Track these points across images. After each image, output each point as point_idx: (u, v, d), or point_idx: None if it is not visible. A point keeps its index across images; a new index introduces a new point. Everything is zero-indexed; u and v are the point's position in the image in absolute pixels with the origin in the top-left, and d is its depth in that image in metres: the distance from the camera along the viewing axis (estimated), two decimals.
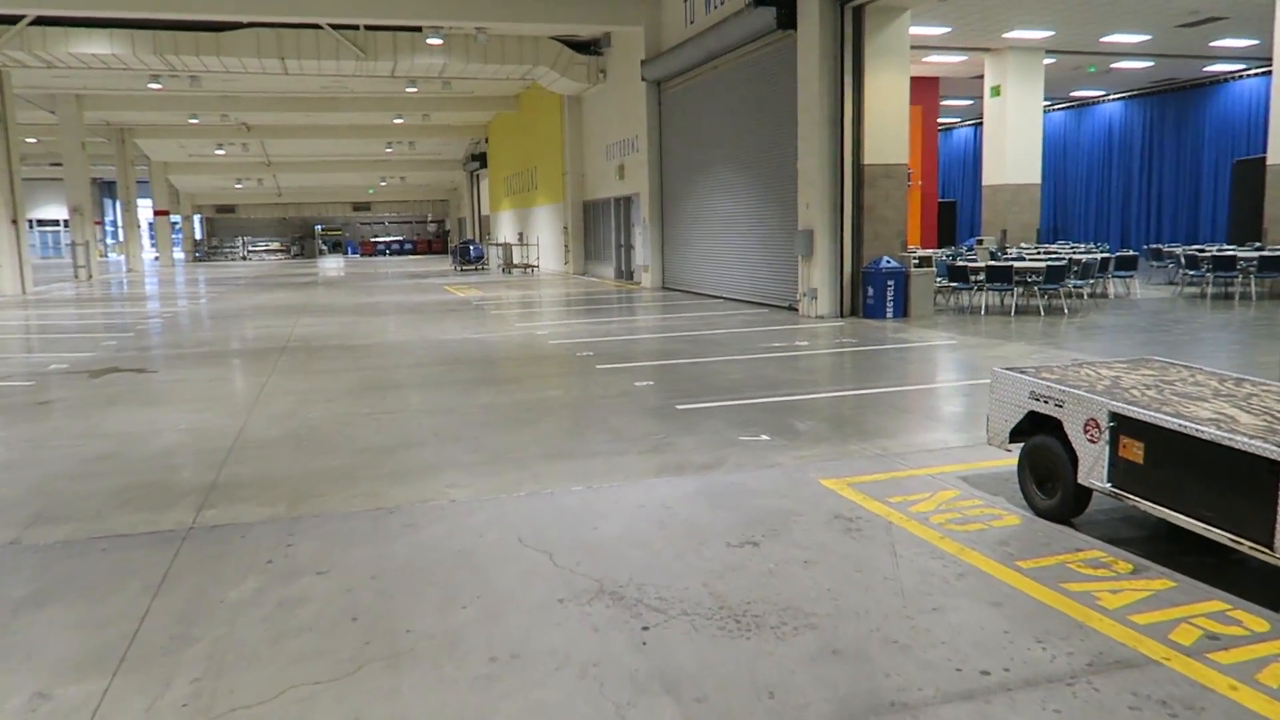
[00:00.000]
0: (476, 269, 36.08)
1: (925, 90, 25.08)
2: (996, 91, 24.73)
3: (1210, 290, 16.99)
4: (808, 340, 12.19)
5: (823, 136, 14.60)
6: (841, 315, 14.82)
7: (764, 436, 6.72)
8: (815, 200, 14.77)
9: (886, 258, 14.43)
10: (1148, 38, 22.05)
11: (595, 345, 12.16)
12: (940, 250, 21.45)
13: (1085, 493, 4.58)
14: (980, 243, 24.95)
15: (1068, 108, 34.12)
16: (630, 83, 23.68)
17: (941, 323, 13.77)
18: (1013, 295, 14.86)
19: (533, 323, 15.38)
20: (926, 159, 26.06)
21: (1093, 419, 4.42)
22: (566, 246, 31.00)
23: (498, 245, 37.45)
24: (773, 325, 14.01)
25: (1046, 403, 4.73)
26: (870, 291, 14.48)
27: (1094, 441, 4.41)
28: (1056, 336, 11.80)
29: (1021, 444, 5.05)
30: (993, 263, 14.76)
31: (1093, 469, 4.43)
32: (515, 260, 34.81)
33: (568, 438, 6.88)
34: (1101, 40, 22.33)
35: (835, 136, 14.61)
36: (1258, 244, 19.27)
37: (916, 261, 14.65)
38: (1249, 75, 27.29)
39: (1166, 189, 30.86)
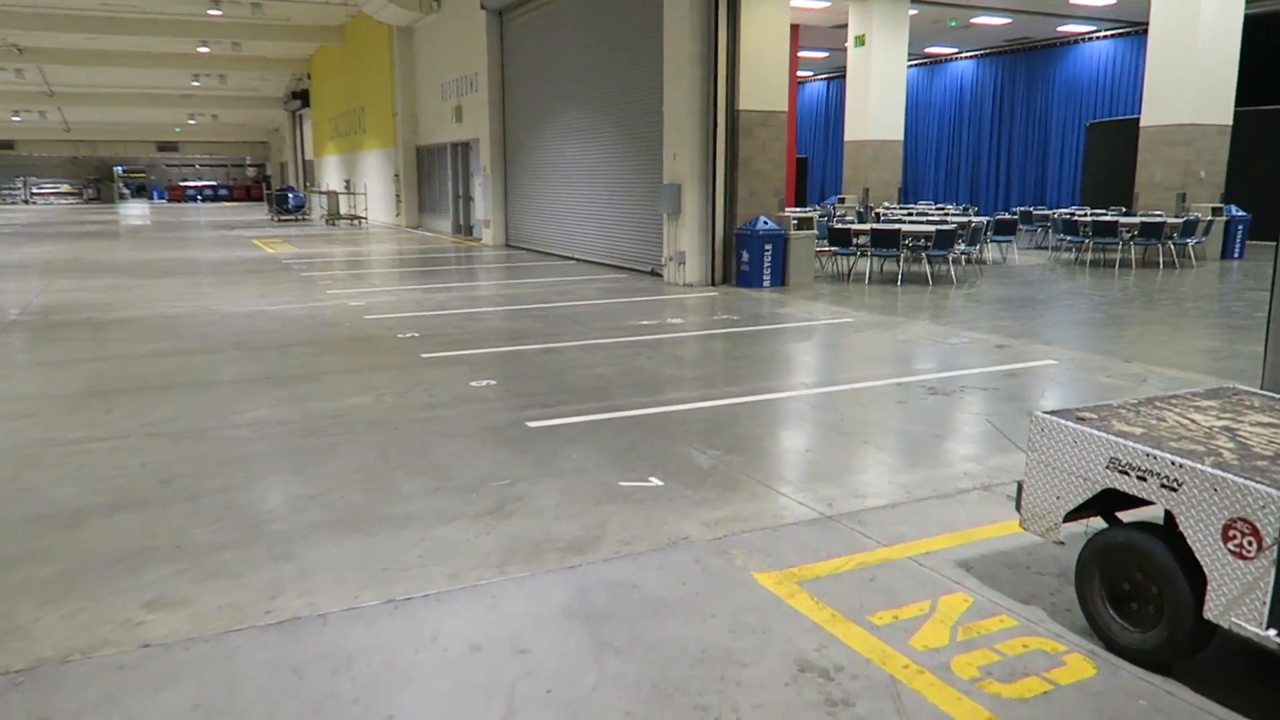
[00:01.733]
0: (296, 219, 32.37)
1: None
2: (861, 41, 23.42)
3: (1089, 257, 16.19)
4: (680, 316, 10.26)
5: (693, 76, 12.59)
6: (713, 283, 12.99)
7: (654, 480, 4.71)
8: (684, 150, 12.80)
9: (763, 218, 12.65)
10: None
11: (423, 322, 9.82)
12: (797, 210, 20.01)
13: (1209, 627, 2.80)
14: (842, 201, 23.78)
15: (920, 64, 33.47)
16: (468, 11, 20.91)
17: (825, 293, 12.15)
18: (899, 262, 13.42)
19: (349, 289, 12.79)
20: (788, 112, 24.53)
21: (1243, 519, 2.61)
22: (398, 196, 27.95)
23: (322, 193, 33.75)
24: (637, 295, 12.02)
25: (1144, 479, 2.90)
26: (745, 256, 12.70)
27: (1244, 556, 2.61)
28: (958, 311, 10.35)
29: (1076, 520, 3.24)
30: (878, 226, 13.25)
31: (1238, 600, 2.63)
32: (342, 211, 31.36)
33: (367, 485, 4.66)
34: None
35: (707, 77, 12.63)
36: (1121, 208, 18.74)
37: (795, 223, 12.94)
38: (1100, 36, 27.11)
39: (1016, 150, 30.69)
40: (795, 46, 25.92)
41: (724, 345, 8.50)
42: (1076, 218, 15.79)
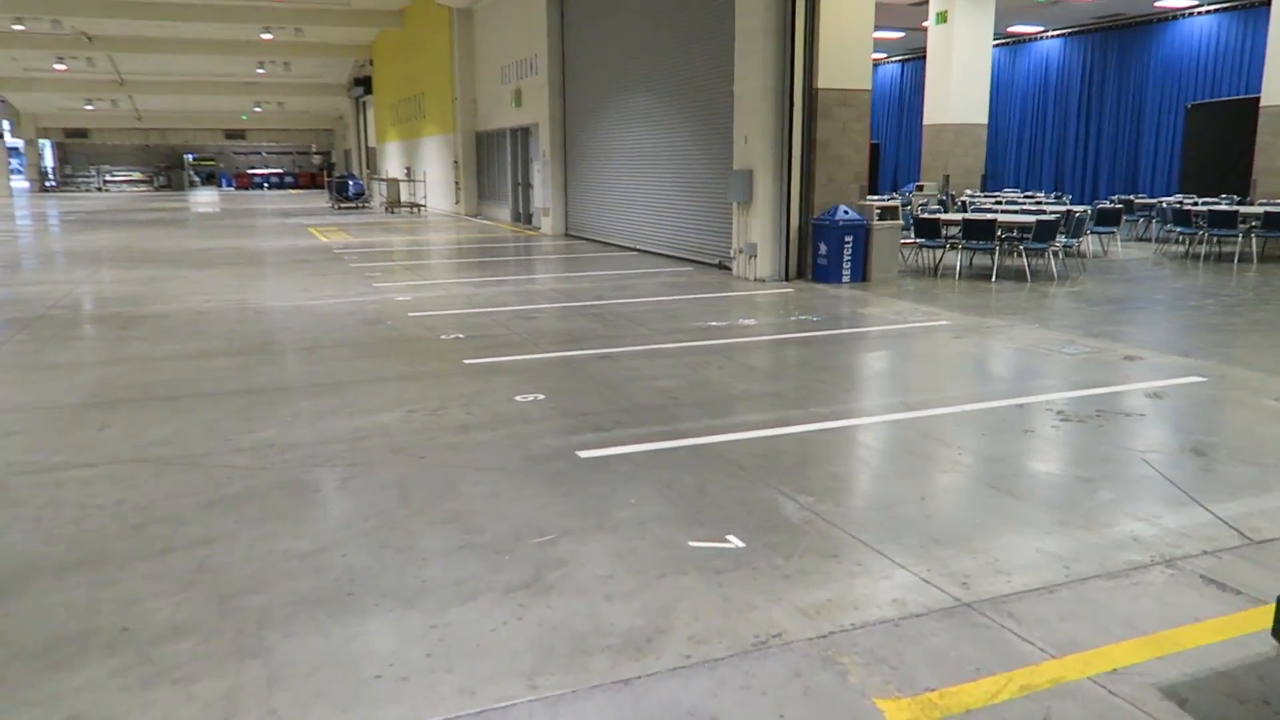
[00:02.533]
0: (357, 207, 32.00)
1: None
2: (943, 18, 21.99)
3: (1203, 250, 14.70)
4: (752, 316, 9.23)
5: (766, 52, 11.50)
6: (786, 277, 11.91)
7: (733, 540, 3.74)
8: (756, 133, 11.72)
9: (843, 207, 11.53)
10: None
11: (470, 321, 8.95)
12: (877, 198, 18.75)
13: None
14: (920, 188, 22.44)
15: (1002, 44, 31.70)
16: None
17: (912, 290, 11.00)
18: (994, 255, 12.18)
19: (398, 281, 12.01)
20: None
21: None
22: (457, 184, 27.30)
23: (383, 180, 33.30)
24: (703, 292, 11.01)
25: None
26: (823, 249, 11.59)
27: None
28: (1067, 313, 9.14)
29: None
30: (970, 215, 12.02)
31: None
32: (403, 198, 30.85)
33: (376, 539, 3.76)
34: None
35: (782, 52, 11.53)
36: (1233, 196, 17.12)
37: (879, 213, 11.79)
38: (1200, 12, 25.15)
39: (1106, 135, 28.79)
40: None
41: (803, 353, 7.46)
42: (1188, 207, 14.31)
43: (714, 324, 8.73)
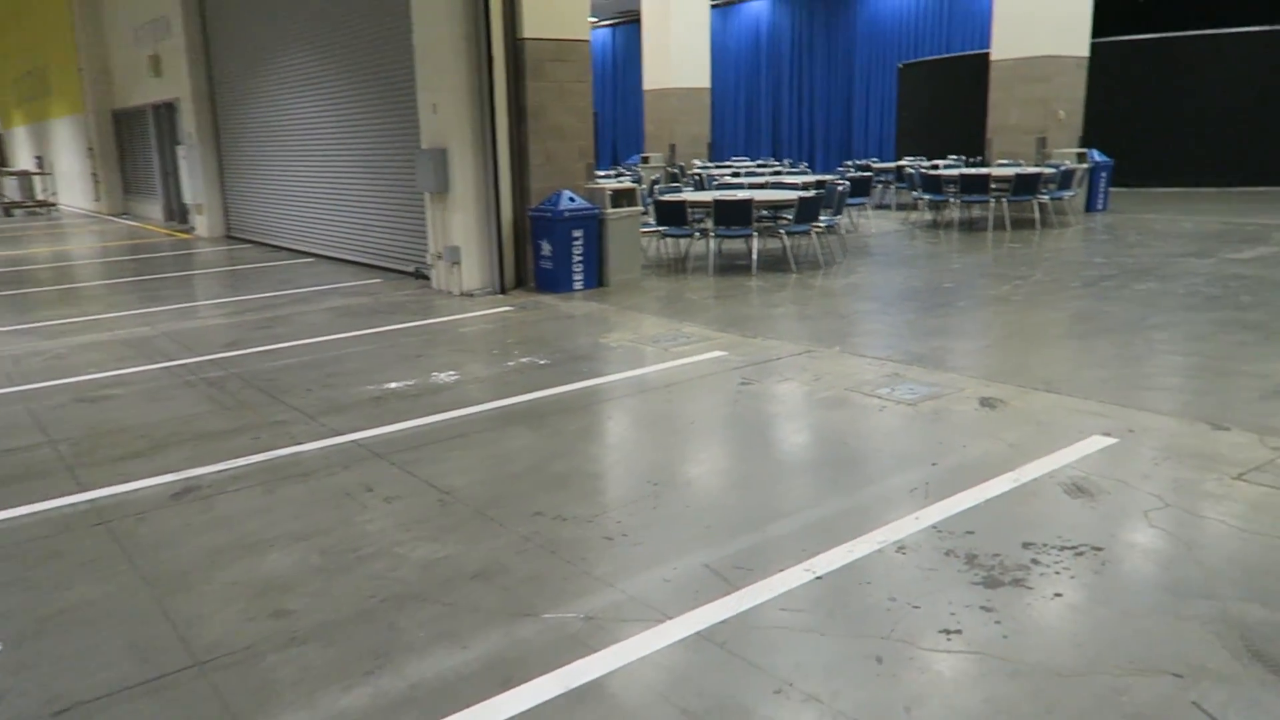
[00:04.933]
0: None
1: None
2: None
3: (956, 216, 13.57)
4: (453, 364, 6.40)
5: None
6: (503, 289, 9.15)
7: None
8: (447, 99, 8.82)
9: (568, 193, 8.92)
10: None
11: (26, 404, 5.44)
12: (607, 177, 16.44)
13: None
14: (646, 161, 20.42)
15: (714, 5, 30.49)
16: None
17: (663, 295, 8.63)
18: (752, 243, 10.08)
19: None
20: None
21: None
22: (95, 175, 22.03)
23: (14, 175, 26.67)
24: (390, 321, 8.01)
25: None
26: (546, 248, 8.95)
27: None
28: (866, 320, 7.12)
29: None
30: (721, 196, 9.82)
31: None
32: (38, 195, 24.69)
33: None
34: None
35: None
36: (962, 157, 16.40)
37: (613, 196, 9.28)
38: None
39: (820, 98, 28.34)
40: None
41: (527, 445, 4.75)
42: (938, 172, 13.08)
43: (394, 386, 5.82)
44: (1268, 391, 5.03)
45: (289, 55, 12.62)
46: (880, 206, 16.38)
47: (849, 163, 16.89)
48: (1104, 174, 14.41)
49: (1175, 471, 3.95)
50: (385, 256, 10.99)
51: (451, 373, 6.10)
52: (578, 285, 8.98)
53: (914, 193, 13.41)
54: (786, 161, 21.70)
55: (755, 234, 9.81)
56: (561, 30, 8.96)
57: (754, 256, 10.17)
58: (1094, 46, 14.85)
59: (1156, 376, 5.46)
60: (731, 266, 10.16)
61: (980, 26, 21.87)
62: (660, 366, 6.06)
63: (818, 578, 3.15)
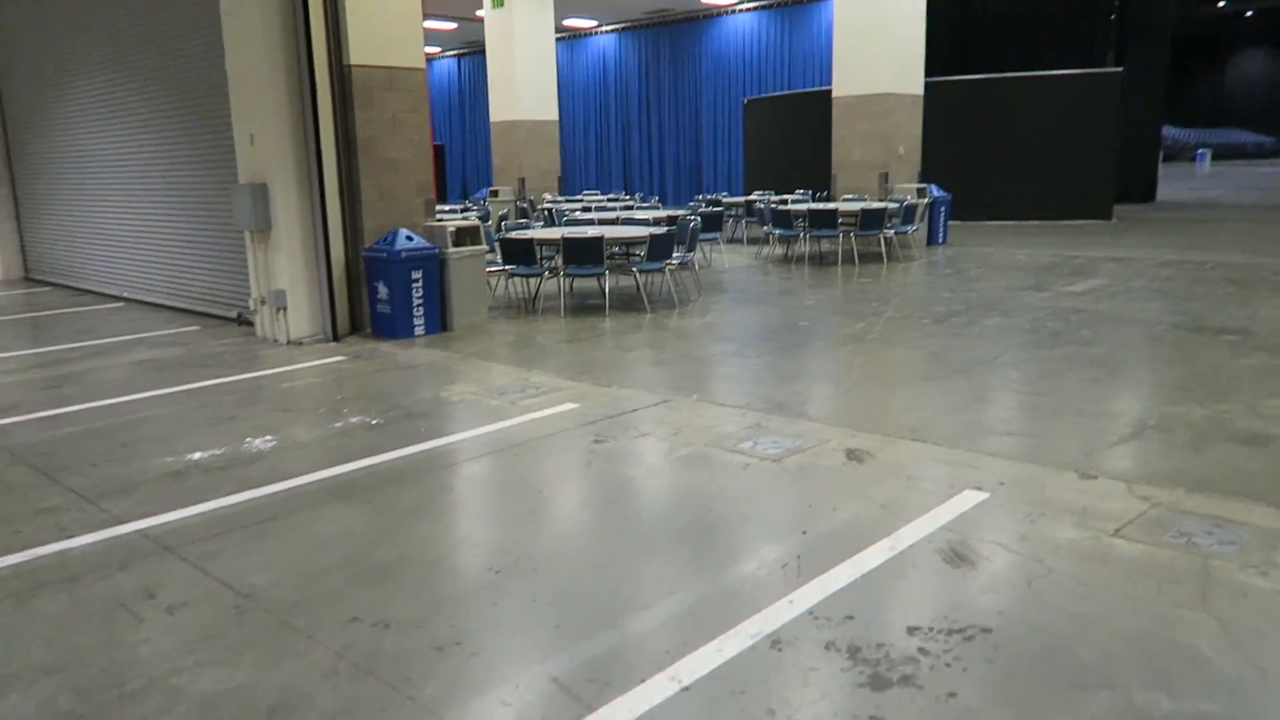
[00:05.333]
0: None
1: None
2: (499, 3, 19.54)
3: (807, 251, 13.63)
4: (273, 427, 5.68)
5: (266, 9, 7.87)
6: (335, 335, 8.40)
7: None
8: (267, 129, 8.05)
9: (405, 231, 8.29)
10: None
11: None
12: (450, 212, 15.82)
13: None
14: (495, 194, 19.88)
15: (561, 39, 30.36)
16: None
17: (510, 340, 8.11)
18: (603, 281, 9.69)
19: None
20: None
21: None
22: None
23: None
24: (203, 376, 7.15)
25: None
26: (383, 291, 8.27)
27: None
28: (720, 363, 6.82)
29: None
30: (570, 234, 9.39)
31: None
32: None
33: None
34: None
35: (292, 10, 7.98)
36: (809, 191, 16.62)
37: (455, 234, 8.70)
38: (742, 9, 25.46)
39: (669, 133, 28.56)
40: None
41: (349, 527, 4.13)
42: (787, 207, 13.11)
43: (197, 456, 5.06)
44: (1125, 435, 4.96)
45: (89, 79, 11.45)
46: (732, 240, 16.39)
47: (700, 197, 16.84)
48: (943, 208, 14.84)
49: (1052, 530, 3.73)
50: (204, 301, 10.01)
51: (268, 438, 5.38)
52: (418, 330, 8.34)
53: (765, 227, 13.39)
54: (638, 195, 21.60)
55: (607, 272, 9.44)
56: (392, 58, 8.36)
57: (607, 296, 9.78)
58: (927, 85, 15.35)
59: (1017, 420, 5.35)
60: (584, 306, 9.74)
61: (821, 63, 22.49)
62: (506, 423, 5.53)
63: (685, 689, 2.70)
